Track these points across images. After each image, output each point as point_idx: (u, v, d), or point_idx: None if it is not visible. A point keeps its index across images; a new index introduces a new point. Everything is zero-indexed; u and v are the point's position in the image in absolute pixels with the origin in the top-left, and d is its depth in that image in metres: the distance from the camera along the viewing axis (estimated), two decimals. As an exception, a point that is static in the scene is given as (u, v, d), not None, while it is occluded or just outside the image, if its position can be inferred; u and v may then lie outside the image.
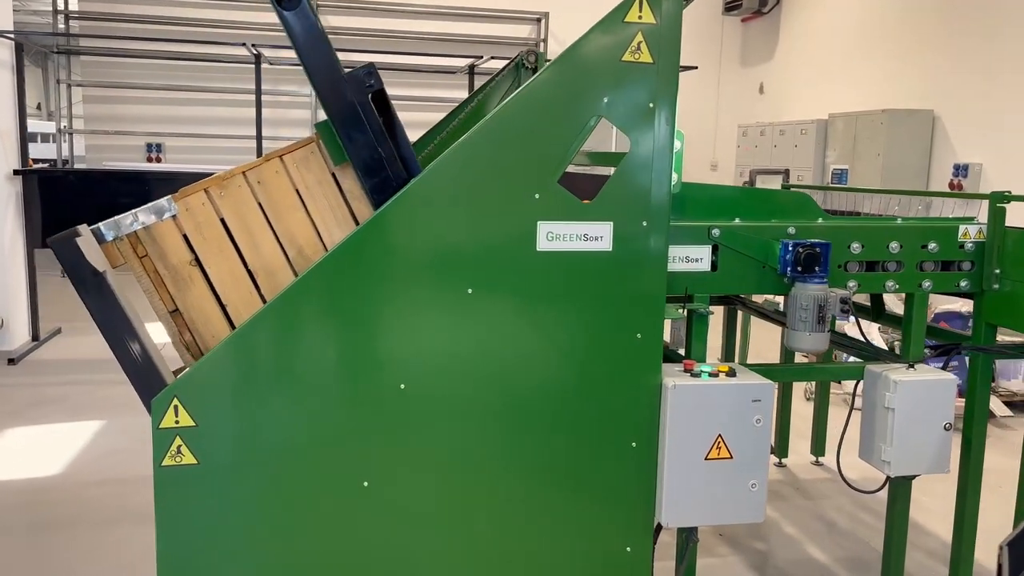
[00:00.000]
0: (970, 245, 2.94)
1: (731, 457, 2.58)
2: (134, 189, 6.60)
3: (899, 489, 3.04)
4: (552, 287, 2.44)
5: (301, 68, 2.39)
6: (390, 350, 2.38)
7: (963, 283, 2.97)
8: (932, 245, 2.91)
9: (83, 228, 2.29)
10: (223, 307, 2.44)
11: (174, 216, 2.38)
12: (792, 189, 4.57)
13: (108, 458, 4.53)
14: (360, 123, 2.38)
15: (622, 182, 2.44)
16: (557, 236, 2.42)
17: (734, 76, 12.87)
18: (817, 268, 2.72)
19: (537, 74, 2.38)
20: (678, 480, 2.55)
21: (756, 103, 12.35)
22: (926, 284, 2.93)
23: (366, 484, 2.42)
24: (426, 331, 2.39)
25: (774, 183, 7.71)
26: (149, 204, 2.37)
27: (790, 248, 2.72)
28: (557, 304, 2.45)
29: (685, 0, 2.41)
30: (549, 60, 3.20)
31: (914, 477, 2.95)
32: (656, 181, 2.45)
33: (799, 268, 2.71)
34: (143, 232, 2.38)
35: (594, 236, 2.44)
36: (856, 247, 2.85)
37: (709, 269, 2.77)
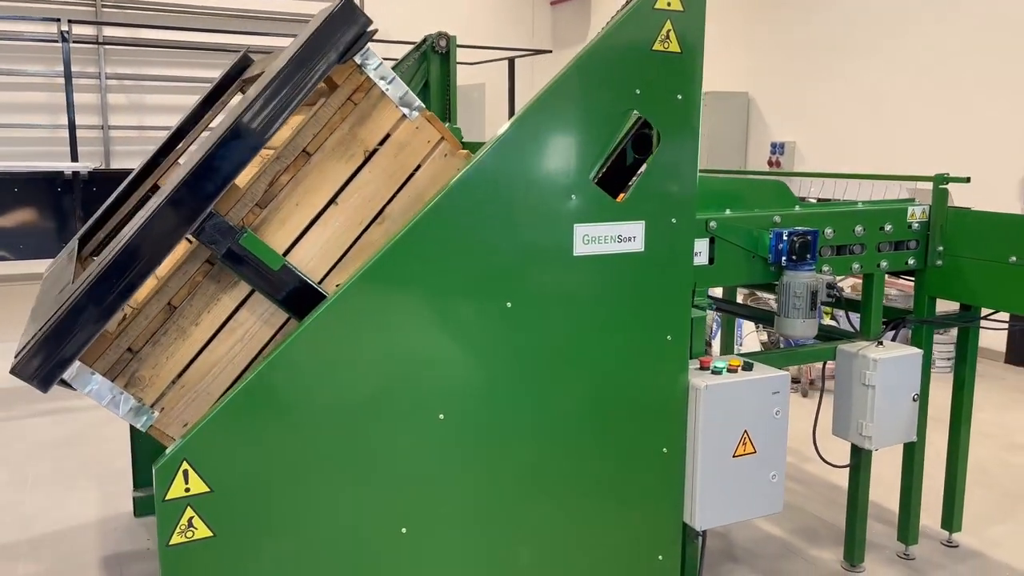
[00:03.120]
0: (916, 225, 3.13)
1: (755, 452, 2.56)
2: None
3: (863, 460, 3.20)
4: (589, 294, 2.28)
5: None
6: (428, 379, 2.11)
7: (911, 261, 3.15)
8: (888, 227, 3.05)
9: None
10: (332, 201, 2.13)
11: (404, 116, 2.13)
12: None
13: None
14: None
15: (652, 178, 2.32)
16: (593, 239, 2.26)
17: (546, 59, 13.08)
18: (808, 256, 2.76)
19: (567, 66, 2.19)
20: (710, 481, 2.49)
21: (570, 85, 12.63)
22: (883, 264, 3.09)
23: (404, 531, 2.14)
24: (465, 353, 2.15)
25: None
26: (411, 94, 2.14)
27: (784, 237, 2.74)
28: (593, 311, 2.29)
29: (708, -13, 2.31)
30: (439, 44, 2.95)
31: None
32: (684, 176, 2.35)
33: (793, 257, 2.74)
34: (377, 92, 2.12)
35: (627, 236, 2.30)
36: (829, 232, 2.92)
37: (707, 263, 2.72)
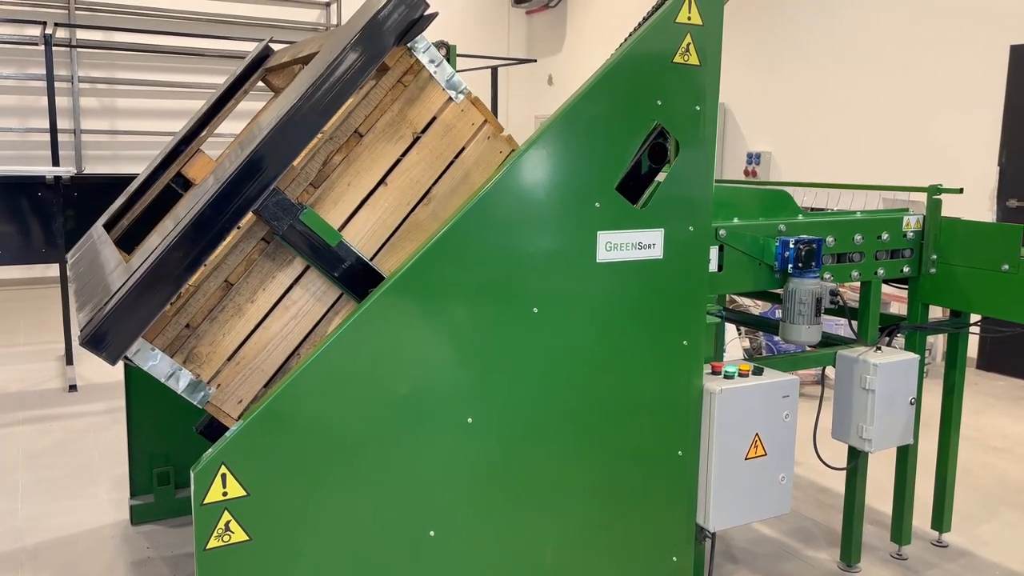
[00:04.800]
0: (911, 234, 3.23)
1: (766, 454, 2.63)
2: None
3: (860, 462, 3.28)
4: (610, 300, 2.33)
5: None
6: (458, 384, 2.14)
7: (906, 269, 3.25)
8: (885, 235, 3.15)
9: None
10: (382, 182, 2.16)
11: (450, 99, 2.17)
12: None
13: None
14: None
15: (671, 187, 2.37)
16: (615, 246, 2.31)
17: (522, 67, 13.17)
18: (813, 263, 2.84)
19: (592, 76, 2.24)
20: (723, 484, 2.55)
21: (546, 94, 12.74)
22: (880, 272, 3.18)
23: (432, 534, 2.16)
24: (493, 357, 2.18)
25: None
26: (457, 77, 2.20)
27: (791, 245, 2.82)
28: (614, 317, 2.34)
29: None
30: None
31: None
32: (701, 185, 2.41)
33: (799, 264, 2.81)
34: (426, 75, 2.15)
35: (647, 244, 2.36)
36: (831, 241, 3.01)
37: (717, 270, 2.79)
